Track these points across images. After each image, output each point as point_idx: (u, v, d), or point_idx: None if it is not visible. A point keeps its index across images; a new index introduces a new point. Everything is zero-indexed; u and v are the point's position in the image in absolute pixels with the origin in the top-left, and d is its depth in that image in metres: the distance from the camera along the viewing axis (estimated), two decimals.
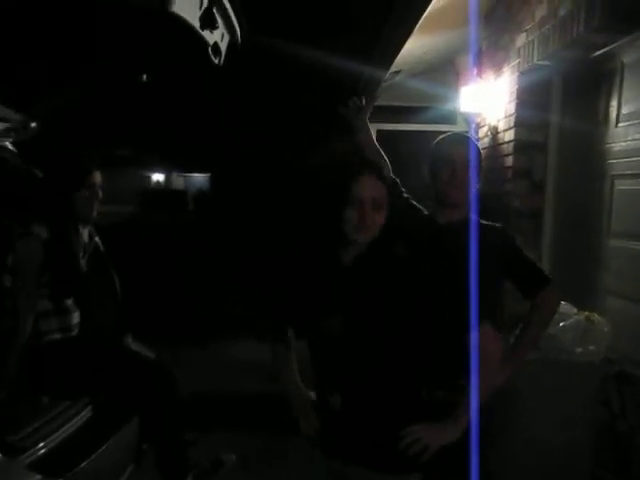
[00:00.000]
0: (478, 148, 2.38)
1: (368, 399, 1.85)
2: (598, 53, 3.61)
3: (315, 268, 1.95)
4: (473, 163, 2.30)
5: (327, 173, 1.96)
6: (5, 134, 3.23)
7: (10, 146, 3.31)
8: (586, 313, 3.16)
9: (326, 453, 1.96)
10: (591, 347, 3.08)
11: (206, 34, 2.28)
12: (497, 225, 2.41)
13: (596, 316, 3.18)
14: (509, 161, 4.39)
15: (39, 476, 2.17)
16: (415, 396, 1.92)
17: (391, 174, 2.58)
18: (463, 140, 2.36)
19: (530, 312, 2.36)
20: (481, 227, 2.33)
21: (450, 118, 6.13)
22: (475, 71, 5.09)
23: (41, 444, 2.40)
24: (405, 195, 2.56)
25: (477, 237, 2.24)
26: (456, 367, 2.17)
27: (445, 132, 2.46)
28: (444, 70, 6.22)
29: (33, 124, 3.30)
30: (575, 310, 3.19)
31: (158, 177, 16.13)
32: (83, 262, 3.04)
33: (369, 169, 1.85)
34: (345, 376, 1.88)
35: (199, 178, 16.22)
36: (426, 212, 2.48)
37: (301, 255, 2.05)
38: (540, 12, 3.91)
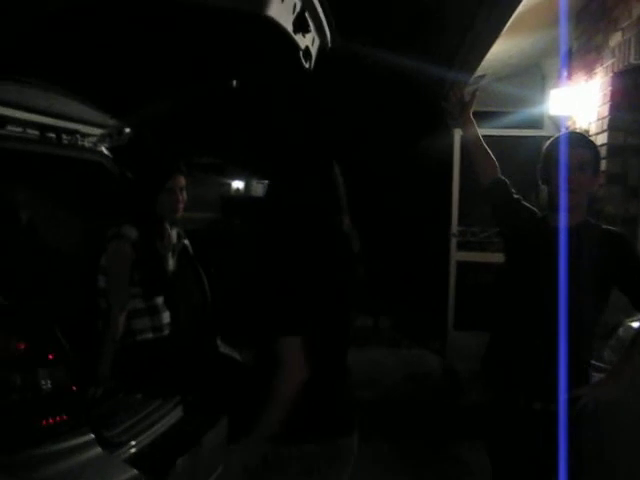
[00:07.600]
0: (596, 148, 2.26)
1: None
2: None
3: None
4: (591, 165, 2.19)
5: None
6: (101, 140, 3.36)
7: (106, 151, 3.43)
8: None
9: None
10: None
11: (298, 38, 2.29)
12: (616, 231, 2.30)
13: None
14: (602, 165, 4.21)
15: (136, 471, 2.21)
16: None
17: (499, 174, 2.42)
18: (580, 140, 2.25)
19: None
20: (599, 232, 2.23)
21: (537, 122, 5.95)
22: (565, 73, 4.93)
23: (134, 441, 2.45)
24: (516, 196, 2.41)
25: (594, 243, 2.15)
26: (556, 379, 2.08)
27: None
28: (530, 73, 6.06)
29: (127, 130, 3.41)
30: None
31: (238, 184, 16.37)
32: (173, 262, 3.11)
33: None
34: None
35: None
36: (539, 214, 2.37)
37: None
38: (638, 9, 3.73)
